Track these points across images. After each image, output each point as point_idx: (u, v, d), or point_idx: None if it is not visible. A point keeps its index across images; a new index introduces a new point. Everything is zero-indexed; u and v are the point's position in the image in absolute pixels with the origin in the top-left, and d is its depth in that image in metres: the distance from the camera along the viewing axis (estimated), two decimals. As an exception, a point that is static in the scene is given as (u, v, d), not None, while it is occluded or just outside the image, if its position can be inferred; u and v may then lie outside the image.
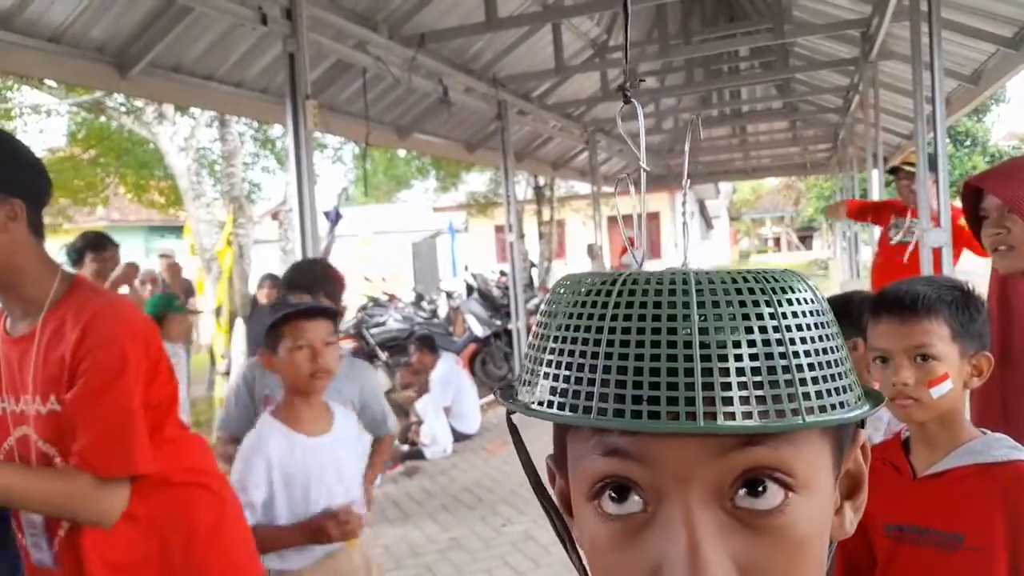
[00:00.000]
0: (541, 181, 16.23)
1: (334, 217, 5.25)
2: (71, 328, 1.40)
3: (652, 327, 0.42)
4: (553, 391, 0.45)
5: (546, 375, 0.45)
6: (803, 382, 0.43)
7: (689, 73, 8.53)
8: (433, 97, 6.36)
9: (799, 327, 0.44)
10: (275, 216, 12.95)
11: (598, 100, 8.60)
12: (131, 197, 13.05)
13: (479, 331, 8.78)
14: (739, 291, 0.43)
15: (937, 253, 3.38)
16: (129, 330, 1.44)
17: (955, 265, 3.52)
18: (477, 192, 18.30)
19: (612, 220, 20.38)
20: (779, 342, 0.43)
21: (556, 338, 0.46)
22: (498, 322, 8.96)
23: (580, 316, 0.45)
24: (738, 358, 0.42)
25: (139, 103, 9.02)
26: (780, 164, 16.23)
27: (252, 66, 5.04)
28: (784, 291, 0.45)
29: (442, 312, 10.84)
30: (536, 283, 15.35)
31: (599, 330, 0.44)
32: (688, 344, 0.42)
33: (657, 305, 0.43)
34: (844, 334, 1.93)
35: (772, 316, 0.43)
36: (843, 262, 12.85)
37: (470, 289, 10.40)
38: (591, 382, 0.43)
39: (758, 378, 0.42)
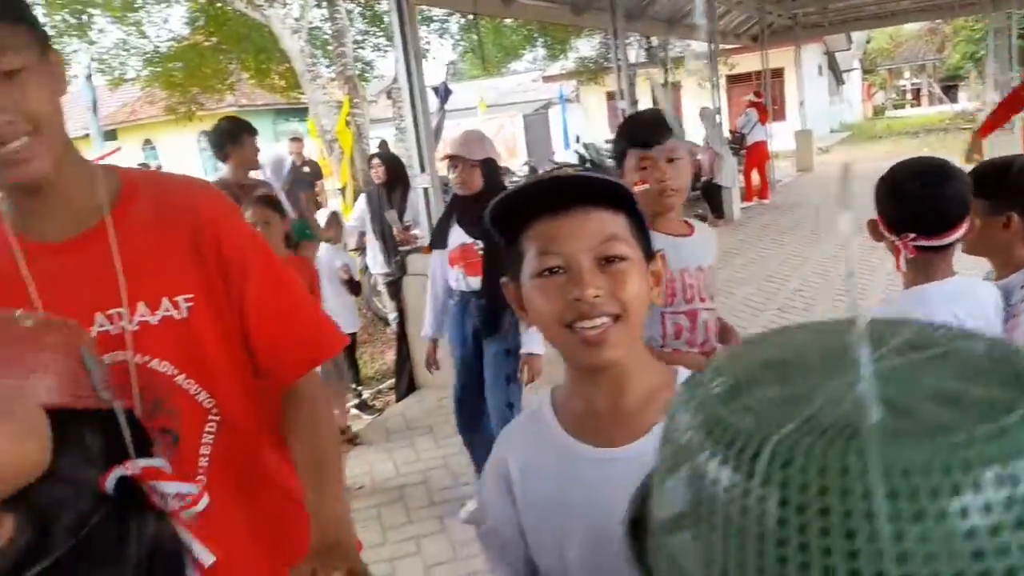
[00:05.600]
0: (654, 42, 15.44)
1: (443, 93, 5.26)
2: (170, 211, 1.11)
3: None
4: None
5: None
6: None
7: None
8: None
9: None
10: (389, 95, 13.10)
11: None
12: (254, 82, 13.49)
13: (593, 202, 8.73)
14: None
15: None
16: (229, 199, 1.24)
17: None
18: (587, 58, 17.66)
19: (731, 80, 19.25)
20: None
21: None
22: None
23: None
24: None
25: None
26: (923, 6, 13.99)
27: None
28: None
29: (555, 184, 10.81)
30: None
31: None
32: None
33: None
34: (997, 207, 1.49)
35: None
36: (992, 114, 11.68)
37: (582, 160, 10.30)
38: None
39: None
